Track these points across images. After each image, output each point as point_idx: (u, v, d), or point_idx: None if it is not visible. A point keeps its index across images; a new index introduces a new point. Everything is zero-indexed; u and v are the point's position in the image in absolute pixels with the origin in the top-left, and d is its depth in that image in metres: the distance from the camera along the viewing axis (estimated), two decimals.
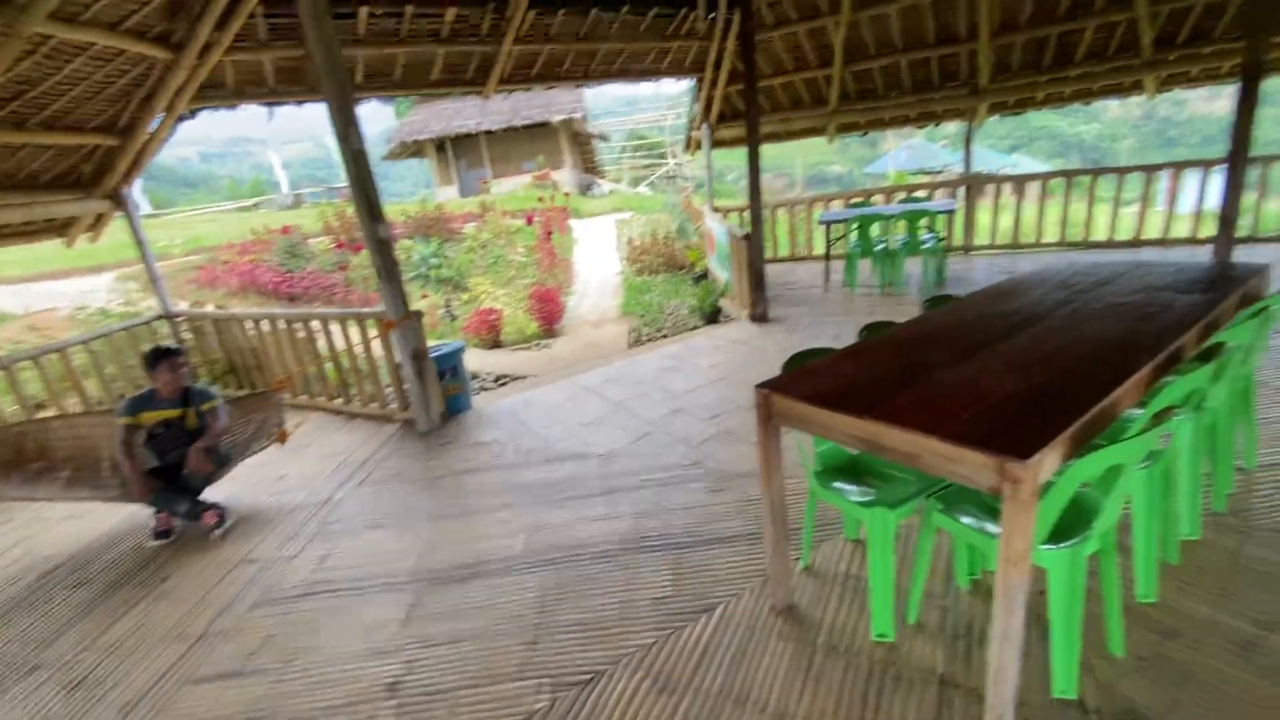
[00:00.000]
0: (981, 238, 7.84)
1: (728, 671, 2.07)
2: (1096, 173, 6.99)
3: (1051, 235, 7.42)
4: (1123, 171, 6.88)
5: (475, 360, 7.02)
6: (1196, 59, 6.41)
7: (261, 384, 5.70)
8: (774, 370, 2.23)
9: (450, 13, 5.19)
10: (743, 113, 8.60)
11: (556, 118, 21.08)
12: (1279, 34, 5.87)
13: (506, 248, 12.19)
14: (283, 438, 4.22)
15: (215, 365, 6.14)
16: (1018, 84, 7.11)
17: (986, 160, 26.71)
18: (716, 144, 9.07)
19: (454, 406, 4.84)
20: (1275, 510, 2.46)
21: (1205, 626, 1.97)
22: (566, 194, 17.42)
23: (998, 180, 7.90)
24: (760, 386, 2.02)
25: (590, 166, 26.61)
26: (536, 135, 21.92)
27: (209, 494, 3.74)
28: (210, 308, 8.29)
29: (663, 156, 28.54)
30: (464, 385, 4.96)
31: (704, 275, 9.75)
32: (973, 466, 1.48)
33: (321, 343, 5.14)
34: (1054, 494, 1.58)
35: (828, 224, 6.91)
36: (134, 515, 3.88)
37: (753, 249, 6.09)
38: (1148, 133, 39.79)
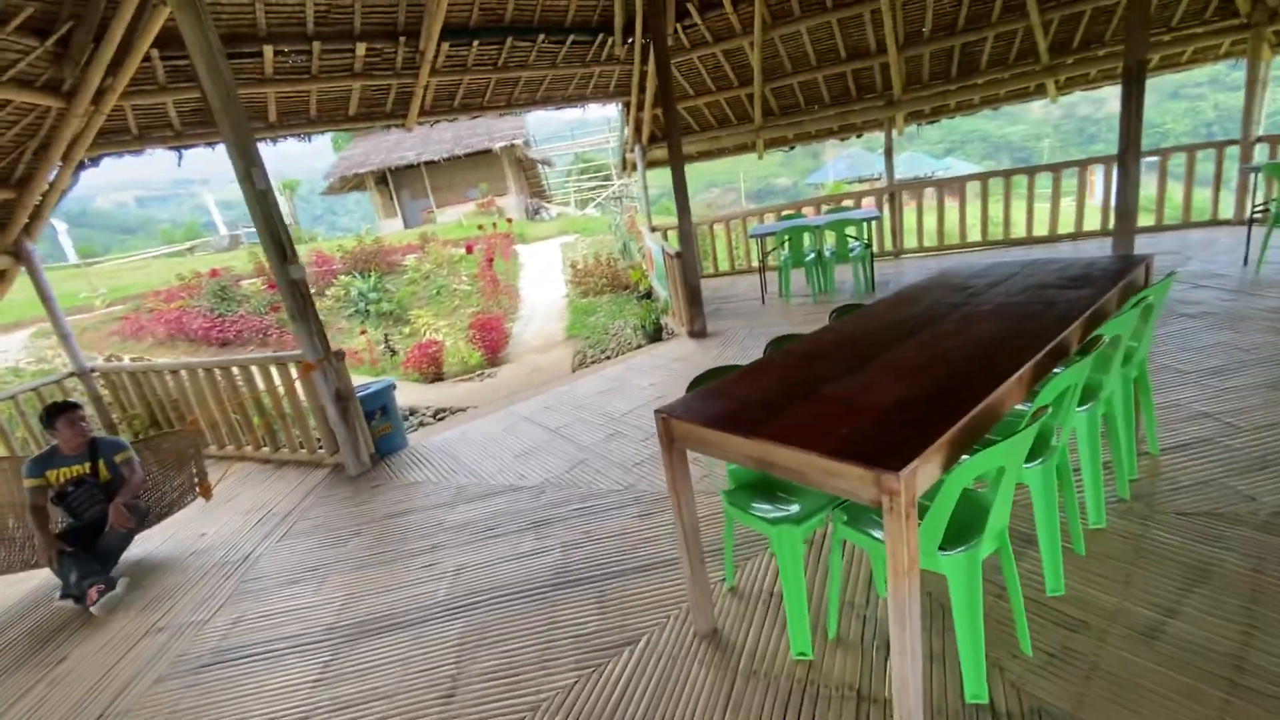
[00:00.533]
0: (913, 241, 8.08)
1: (648, 707, 2.00)
2: (1008, 174, 7.29)
3: (976, 235, 7.70)
4: (1031, 171, 7.20)
5: (415, 395, 6.85)
6: (1092, 61, 6.79)
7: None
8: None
9: (361, 47, 5.12)
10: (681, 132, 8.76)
11: (498, 145, 21.06)
12: (1163, 32, 6.28)
13: (450, 277, 12.03)
14: (206, 491, 4.02)
15: (135, 420, 5.83)
16: (929, 93, 7.41)
17: (922, 164, 27.82)
18: (651, 164, 9.16)
19: (386, 446, 4.69)
20: (1177, 493, 2.53)
21: (1110, 616, 2.00)
22: (510, 220, 17.33)
23: (917, 186, 8.17)
24: (659, 411, 1.99)
25: (537, 191, 26.62)
26: (479, 163, 21.84)
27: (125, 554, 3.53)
28: (126, 360, 7.90)
29: (609, 178, 28.78)
30: (396, 424, 4.81)
31: (648, 294, 9.79)
32: (852, 480, 1.47)
33: (245, 389, 4.93)
34: (940, 500, 1.59)
35: (758, 237, 7.02)
36: (33, 588, 3.62)
37: (685, 266, 6.13)
38: (1069, 131, 42.03)
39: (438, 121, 6.58)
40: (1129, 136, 4.39)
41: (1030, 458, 2.02)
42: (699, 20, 6.83)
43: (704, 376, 2.35)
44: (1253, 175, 5.89)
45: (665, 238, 8.24)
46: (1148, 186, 6.67)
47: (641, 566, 2.72)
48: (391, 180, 22.41)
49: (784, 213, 8.52)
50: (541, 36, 6.06)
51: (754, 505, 2.18)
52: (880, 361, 2.06)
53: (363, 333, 9.76)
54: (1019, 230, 7.39)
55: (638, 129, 8.57)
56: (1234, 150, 6.25)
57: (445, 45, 5.56)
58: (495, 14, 5.66)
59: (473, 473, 4.07)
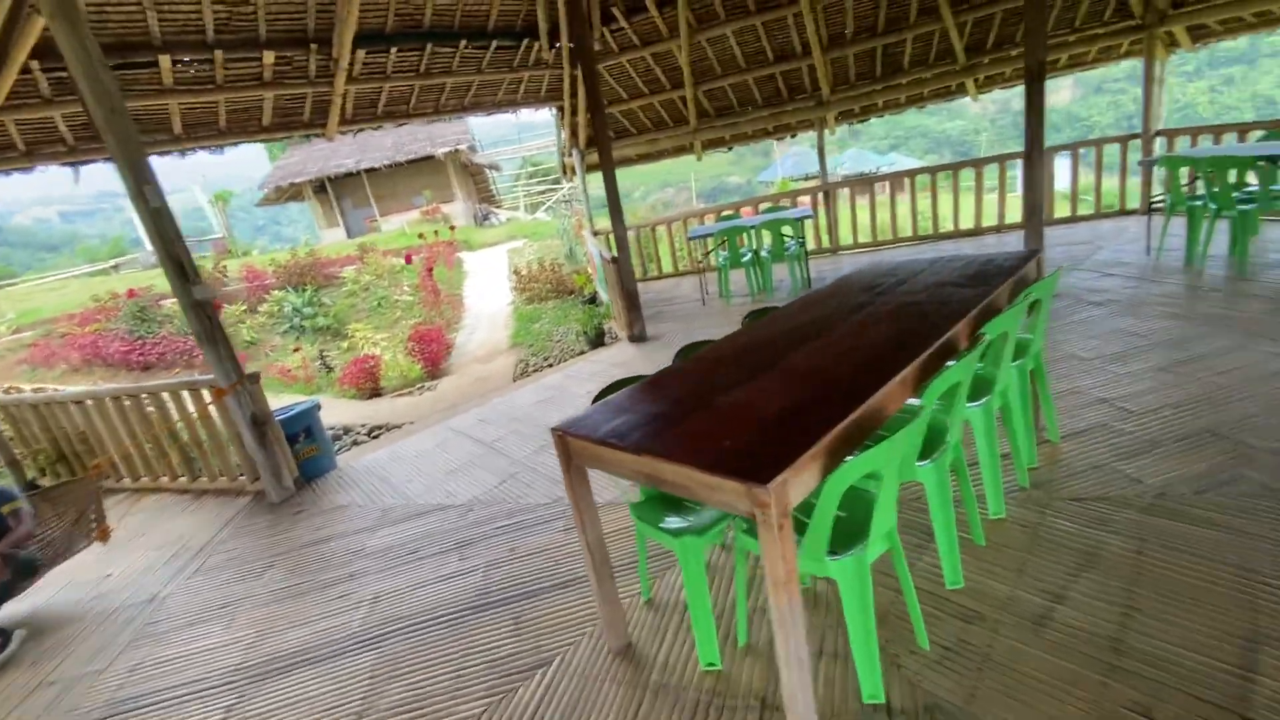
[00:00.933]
0: (861, 236, 8.24)
1: None
2: (932, 171, 7.52)
3: (912, 230, 7.91)
4: (955, 168, 7.44)
5: (350, 412, 6.64)
6: (1005, 61, 7.05)
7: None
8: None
9: (269, 56, 4.92)
10: (611, 137, 8.75)
11: (441, 150, 20.67)
12: (1068, 33, 6.57)
13: (391, 288, 11.73)
14: (104, 534, 3.78)
15: (41, 456, 5.48)
16: (857, 93, 7.58)
17: (867, 161, 28.61)
18: (591, 168, 9.12)
19: (312, 470, 4.52)
20: (1073, 478, 2.63)
21: (1003, 606, 2.05)
22: (452, 227, 17.03)
23: (846, 185, 8.35)
24: (556, 429, 1.95)
25: (485, 196, 26.25)
26: (423, 169, 21.40)
27: (9, 609, 3.28)
28: (28, 390, 7.41)
29: (559, 181, 28.58)
30: (323, 445, 4.64)
31: (593, 298, 9.74)
32: (729, 494, 1.47)
33: (158, 417, 4.67)
34: (821, 506, 1.59)
35: (696, 239, 7.05)
36: None
37: (621, 271, 6.11)
38: (1004, 125, 43.76)
39: (361, 129, 6.39)
40: (1033, 135, 4.56)
41: (923, 456, 2.06)
42: (626, 24, 6.82)
43: (610, 388, 2.32)
44: (1152, 168, 6.22)
45: (607, 242, 8.21)
46: (1070, 179, 7.00)
47: (562, 582, 2.67)
48: (331, 189, 21.74)
49: (723, 213, 8.60)
50: (464, 42, 5.95)
51: (664, 516, 2.17)
52: (778, 367, 2.07)
53: (296, 349, 9.41)
54: (947, 224, 7.63)
55: (574, 133, 8.51)
56: (1137, 144, 6.58)
57: (361, 52, 5.40)
58: (413, 19, 5.52)
59: (400, 493, 3.95)
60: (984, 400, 2.34)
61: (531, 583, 2.72)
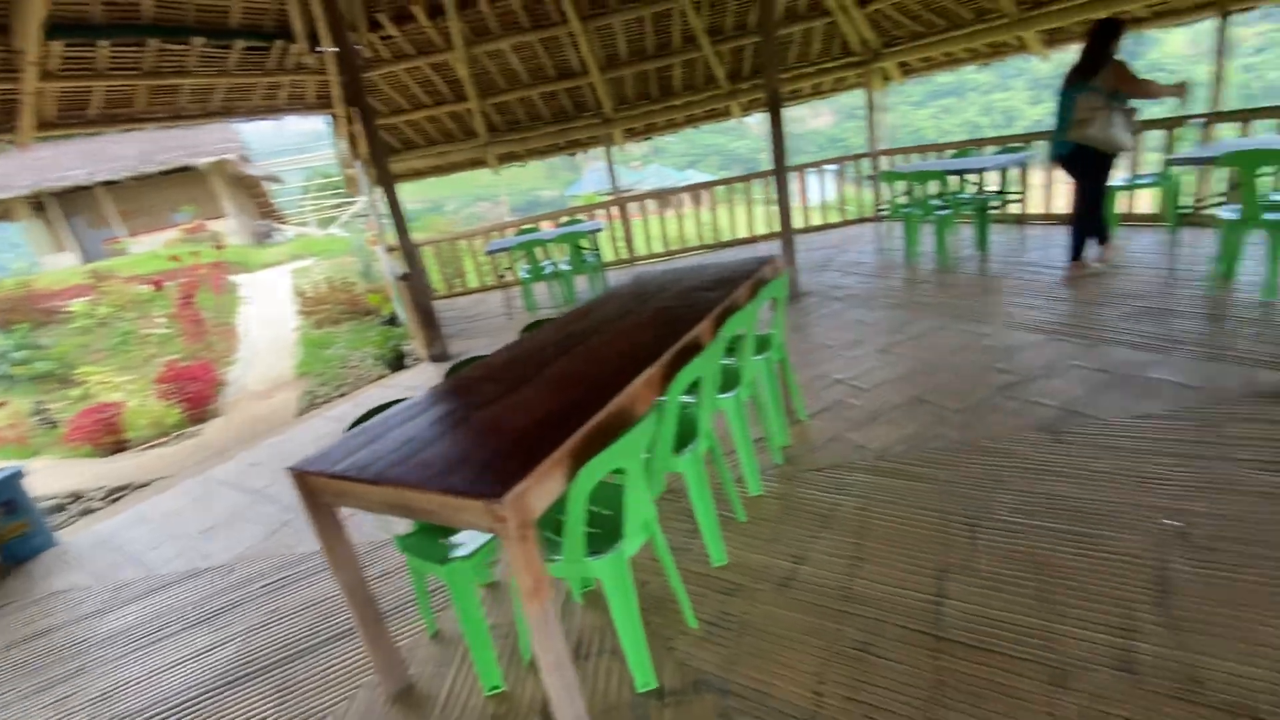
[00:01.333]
0: (655, 247, 8.66)
1: None
2: (709, 186, 8.23)
3: (696, 239, 8.52)
4: (729, 182, 8.20)
5: (82, 474, 5.48)
6: (763, 88, 7.92)
7: None
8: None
9: None
10: (396, 149, 8.29)
11: (203, 160, 18.08)
12: (805, 66, 7.54)
13: (139, 321, 9.95)
14: None
15: None
16: (639, 112, 8.01)
17: (667, 176, 30.51)
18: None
19: (21, 551, 3.67)
20: (816, 451, 3.00)
21: (759, 574, 2.27)
22: (220, 246, 14.97)
23: (636, 198, 8.79)
24: (292, 469, 1.78)
25: (267, 211, 23.41)
26: (183, 182, 18.51)
27: None
28: None
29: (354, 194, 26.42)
30: (35, 520, 3.77)
31: (393, 319, 9.15)
32: (472, 513, 1.44)
33: None
34: (570, 511, 1.63)
35: (494, 253, 6.95)
36: None
37: (414, 288, 5.81)
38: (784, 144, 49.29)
39: (72, 134, 5.34)
40: (777, 156, 5.17)
41: (680, 447, 2.22)
42: (396, 32, 6.52)
43: (365, 416, 2.18)
44: (876, 182, 7.40)
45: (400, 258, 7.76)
46: (823, 191, 8.03)
47: (337, 635, 2.44)
48: (57, 206, 17.90)
49: (524, 227, 8.58)
50: (201, 40, 5.23)
51: (437, 544, 2.07)
52: (542, 377, 2.09)
53: (2, 404, 7.56)
54: (728, 234, 8.37)
55: (354, 143, 7.93)
56: (867, 162, 7.79)
57: (57, 44, 4.50)
58: (128, 10, 4.73)
59: (142, 563, 3.34)
60: (734, 392, 2.59)
61: (301, 642, 2.45)
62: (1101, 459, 2.52)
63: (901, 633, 1.93)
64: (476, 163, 8.82)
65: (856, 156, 7.84)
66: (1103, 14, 5.04)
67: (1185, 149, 4.97)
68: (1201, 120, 5.06)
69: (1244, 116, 4.91)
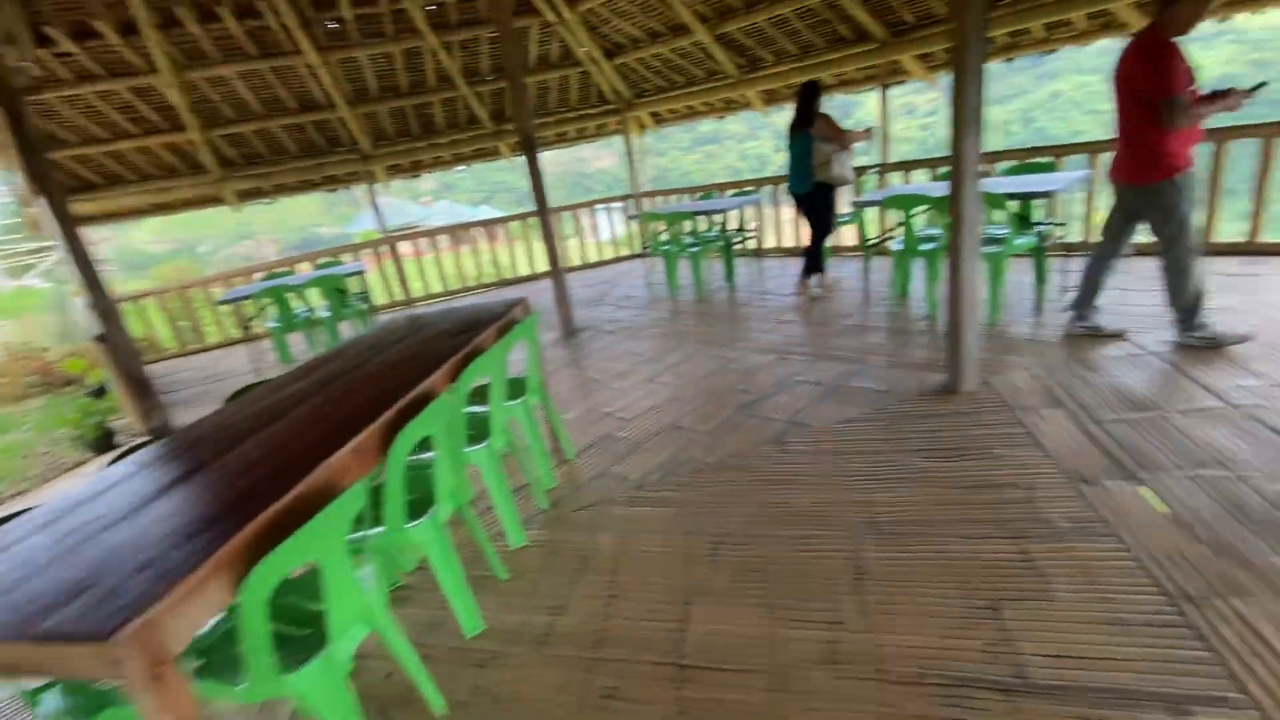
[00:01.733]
0: (434, 287, 8.20)
1: None
2: (485, 224, 8.13)
3: (475, 278, 8.31)
4: (505, 220, 8.18)
5: None
6: (518, 131, 8.06)
7: None
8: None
9: None
10: (92, 184, 6.91)
11: None
12: (566, 111, 7.82)
13: None
14: None
15: None
16: (401, 149, 7.65)
17: (459, 213, 29.68)
18: (81, 220, 7.01)
19: None
20: (581, 490, 2.99)
21: (513, 636, 2.16)
22: None
23: (410, 236, 8.39)
24: None
25: None
26: None
27: None
28: None
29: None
30: None
31: (101, 389, 7.50)
32: (83, 662, 1.13)
33: None
34: (247, 623, 1.37)
35: (231, 302, 6.05)
36: None
37: (116, 350, 4.79)
38: (572, 183, 50.91)
39: None
40: (539, 198, 5.25)
41: (416, 515, 2.04)
42: (76, 49, 5.44)
43: None
44: (641, 221, 7.90)
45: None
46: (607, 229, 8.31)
47: None
48: None
49: (273, 270, 7.64)
50: None
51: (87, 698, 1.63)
52: (227, 457, 1.77)
53: None
54: (509, 272, 8.29)
55: (36, 177, 6.41)
56: (631, 203, 8.29)
57: None
58: None
59: None
60: (484, 444, 2.47)
61: None
62: (817, 463, 2.86)
63: (650, 669, 1.93)
64: (211, 200, 7.70)
65: (623, 198, 8.31)
66: (802, 80, 5.99)
67: (867, 193, 6.08)
68: (876, 170, 6.25)
69: (907, 167, 6.14)
